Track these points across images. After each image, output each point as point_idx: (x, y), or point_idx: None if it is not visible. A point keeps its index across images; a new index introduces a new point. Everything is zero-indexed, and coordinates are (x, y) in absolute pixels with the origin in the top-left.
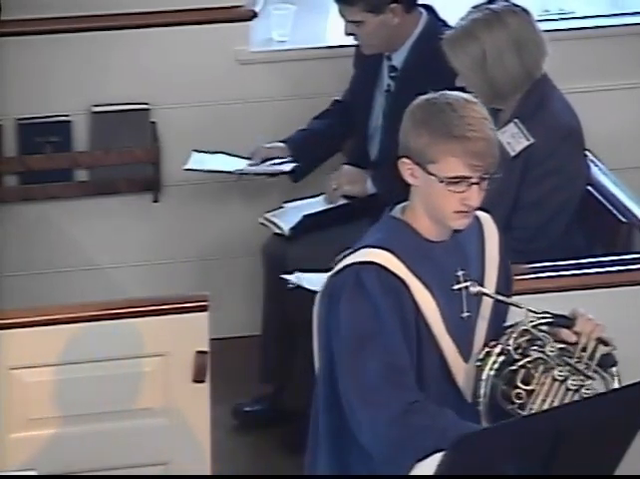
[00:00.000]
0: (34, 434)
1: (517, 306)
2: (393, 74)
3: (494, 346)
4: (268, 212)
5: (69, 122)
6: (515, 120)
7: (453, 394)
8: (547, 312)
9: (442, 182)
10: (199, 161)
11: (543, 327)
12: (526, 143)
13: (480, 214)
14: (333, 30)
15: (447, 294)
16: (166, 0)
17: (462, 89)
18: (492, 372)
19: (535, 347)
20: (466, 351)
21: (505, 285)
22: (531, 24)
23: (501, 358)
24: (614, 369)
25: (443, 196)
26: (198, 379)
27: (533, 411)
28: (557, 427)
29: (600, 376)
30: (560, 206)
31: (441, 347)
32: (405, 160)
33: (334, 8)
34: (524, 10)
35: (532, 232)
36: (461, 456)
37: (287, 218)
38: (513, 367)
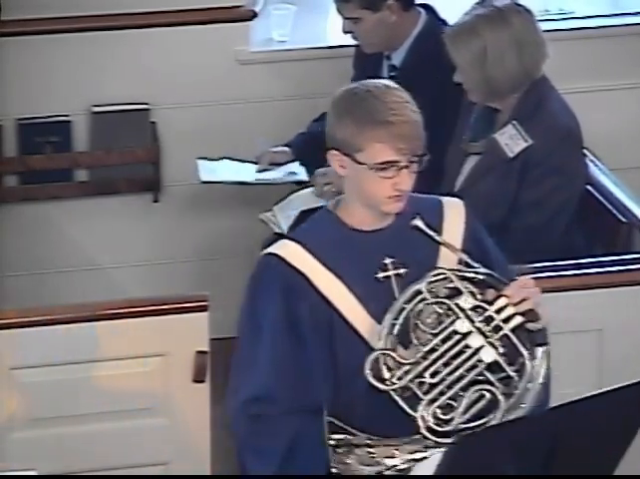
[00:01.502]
0: (34, 434)
1: (456, 253)
2: (392, 73)
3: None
4: (266, 211)
5: (69, 122)
6: (514, 121)
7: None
8: (490, 274)
9: (371, 169)
10: (210, 170)
11: (467, 282)
12: (525, 144)
13: (447, 199)
14: (333, 30)
15: (370, 283)
16: (167, 0)
17: (459, 85)
18: (404, 299)
19: (450, 295)
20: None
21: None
22: (534, 25)
23: (419, 297)
24: (541, 350)
25: (374, 183)
26: (198, 379)
27: (434, 356)
28: (557, 427)
29: (515, 349)
30: (560, 206)
31: (362, 336)
32: (333, 152)
33: (334, 8)
34: (528, 10)
35: (532, 232)
36: (461, 456)
37: (287, 212)
38: (425, 303)
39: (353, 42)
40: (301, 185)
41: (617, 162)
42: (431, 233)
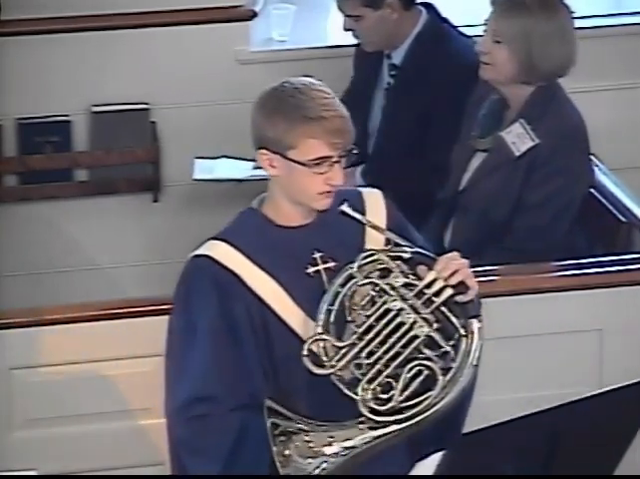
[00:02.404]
0: (34, 434)
1: (383, 233)
2: (393, 72)
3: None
4: None
5: (69, 122)
6: (521, 120)
7: (321, 379)
8: (418, 251)
9: (304, 165)
10: (206, 168)
11: (397, 261)
12: (531, 143)
13: (365, 190)
14: (333, 30)
15: (301, 279)
16: (167, 0)
17: (459, 85)
18: (339, 283)
19: (381, 276)
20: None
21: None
22: (573, 24)
23: (352, 280)
24: (475, 321)
25: (305, 179)
26: None
27: (369, 336)
28: (557, 427)
29: (449, 323)
30: (563, 207)
31: (296, 332)
32: (262, 151)
33: (334, 8)
34: (570, 9)
35: (535, 232)
36: (461, 456)
37: None
38: (357, 284)
39: (353, 41)
40: None
41: (617, 162)
42: (357, 216)
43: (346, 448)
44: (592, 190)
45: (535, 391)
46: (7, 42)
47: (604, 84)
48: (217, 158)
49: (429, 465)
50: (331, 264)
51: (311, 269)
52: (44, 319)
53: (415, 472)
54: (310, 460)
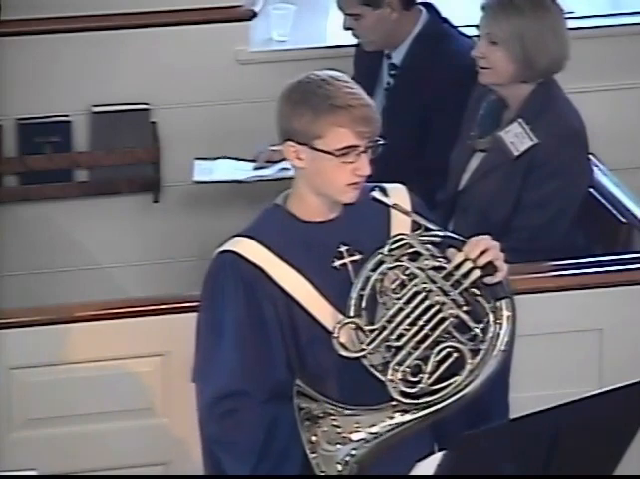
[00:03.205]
0: (34, 434)
1: (410, 215)
2: (392, 72)
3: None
4: None
5: (69, 122)
6: (520, 119)
7: (352, 368)
8: (447, 234)
9: (331, 154)
10: (206, 170)
11: (427, 245)
12: (531, 143)
13: (390, 185)
14: (333, 30)
15: (327, 272)
16: (167, 0)
17: (459, 85)
18: (370, 268)
19: (411, 260)
20: None
21: None
22: (565, 21)
23: (382, 265)
24: (504, 302)
25: (333, 169)
26: None
27: (398, 319)
28: (557, 427)
29: (478, 305)
30: (563, 206)
31: (324, 326)
32: (289, 143)
33: (334, 8)
34: (561, 7)
35: (534, 231)
36: (461, 456)
37: None
38: (387, 268)
39: (353, 41)
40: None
41: (617, 162)
42: (387, 200)
43: (371, 434)
44: (592, 190)
45: (535, 391)
46: (7, 42)
47: (603, 84)
48: (217, 158)
49: (429, 465)
50: (357, 258)
51: (337, 263)
52: (44, 319)
53: (415, 472)
54: (338, 446)
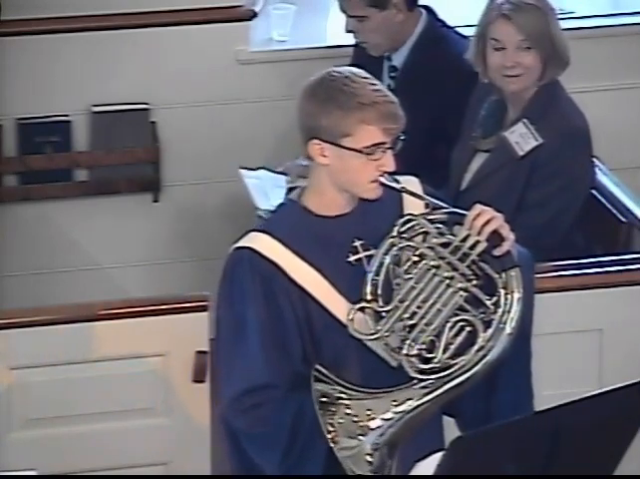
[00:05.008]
0: (34, 434)
1: (422, 200)
2: (393, 74)
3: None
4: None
5: (69, 122)
6: (524, 120)
7: (368, 359)
8: (453, 211)
9: (359, 152)
10: (261, 191)
11: (435, 223)
12: (535, 143)
13: (403, 177)
14: (333, 30)
15: (342, 267)
16: (167, 0)
17: (459, 85)
18: (382, 251)
19: (420, 239)
20: None
21: None
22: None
23: (394, 247)
24: (512, 272)
25: (359, 167)
26: (198, 379)
27: (411, 296)
28: (557, 427)
29: (488, 278)
30: (565, 207)
31: (340, 320)
32: (314, 141)
33: (334, 8)
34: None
35: (537, 231)
36: (461, 456)
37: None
38: (397, 249)
39: (353, 41)
40: None
41: (617, 162)
42: (394, 184)
43: (385, 420)
44: (593, 190)
45: (535, 391)
46: (7, 42)
47: (603, 84)
48: (257, 169)
49: (429, 465)
50: (372, 252)
51: (352, 258)
52: (44, 319)
53: (415, 472)
54: (361, 438)
